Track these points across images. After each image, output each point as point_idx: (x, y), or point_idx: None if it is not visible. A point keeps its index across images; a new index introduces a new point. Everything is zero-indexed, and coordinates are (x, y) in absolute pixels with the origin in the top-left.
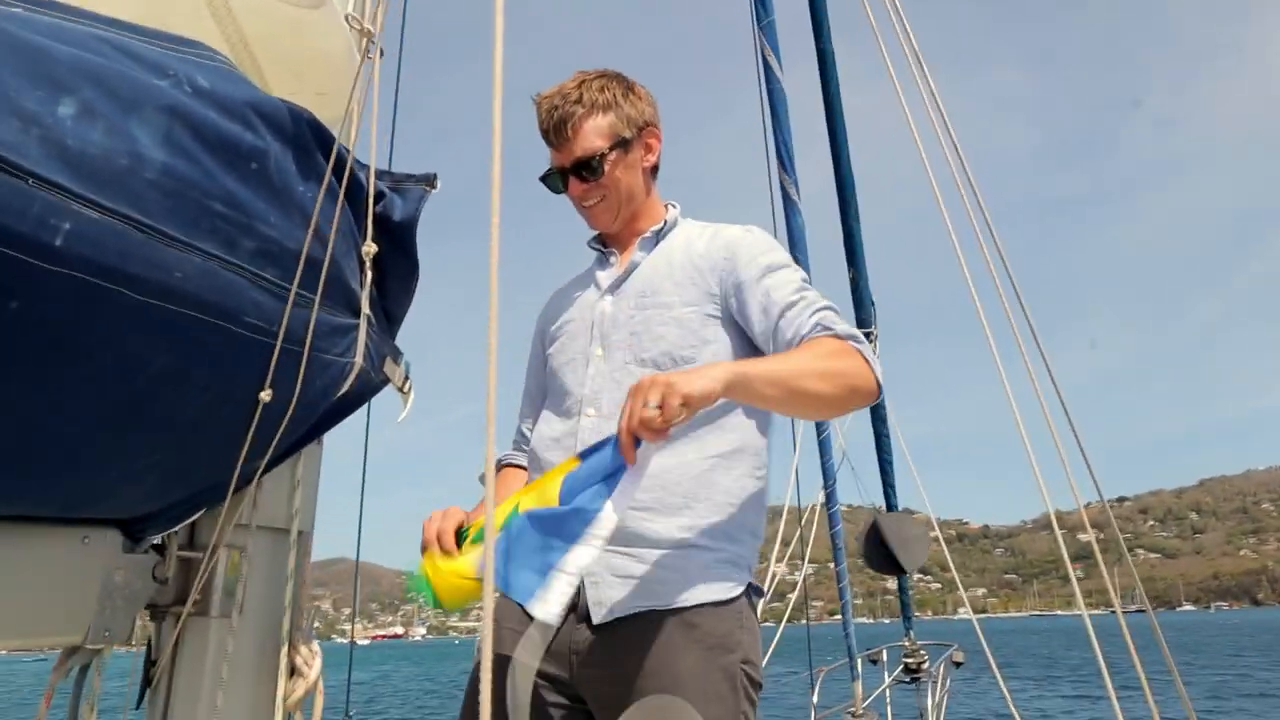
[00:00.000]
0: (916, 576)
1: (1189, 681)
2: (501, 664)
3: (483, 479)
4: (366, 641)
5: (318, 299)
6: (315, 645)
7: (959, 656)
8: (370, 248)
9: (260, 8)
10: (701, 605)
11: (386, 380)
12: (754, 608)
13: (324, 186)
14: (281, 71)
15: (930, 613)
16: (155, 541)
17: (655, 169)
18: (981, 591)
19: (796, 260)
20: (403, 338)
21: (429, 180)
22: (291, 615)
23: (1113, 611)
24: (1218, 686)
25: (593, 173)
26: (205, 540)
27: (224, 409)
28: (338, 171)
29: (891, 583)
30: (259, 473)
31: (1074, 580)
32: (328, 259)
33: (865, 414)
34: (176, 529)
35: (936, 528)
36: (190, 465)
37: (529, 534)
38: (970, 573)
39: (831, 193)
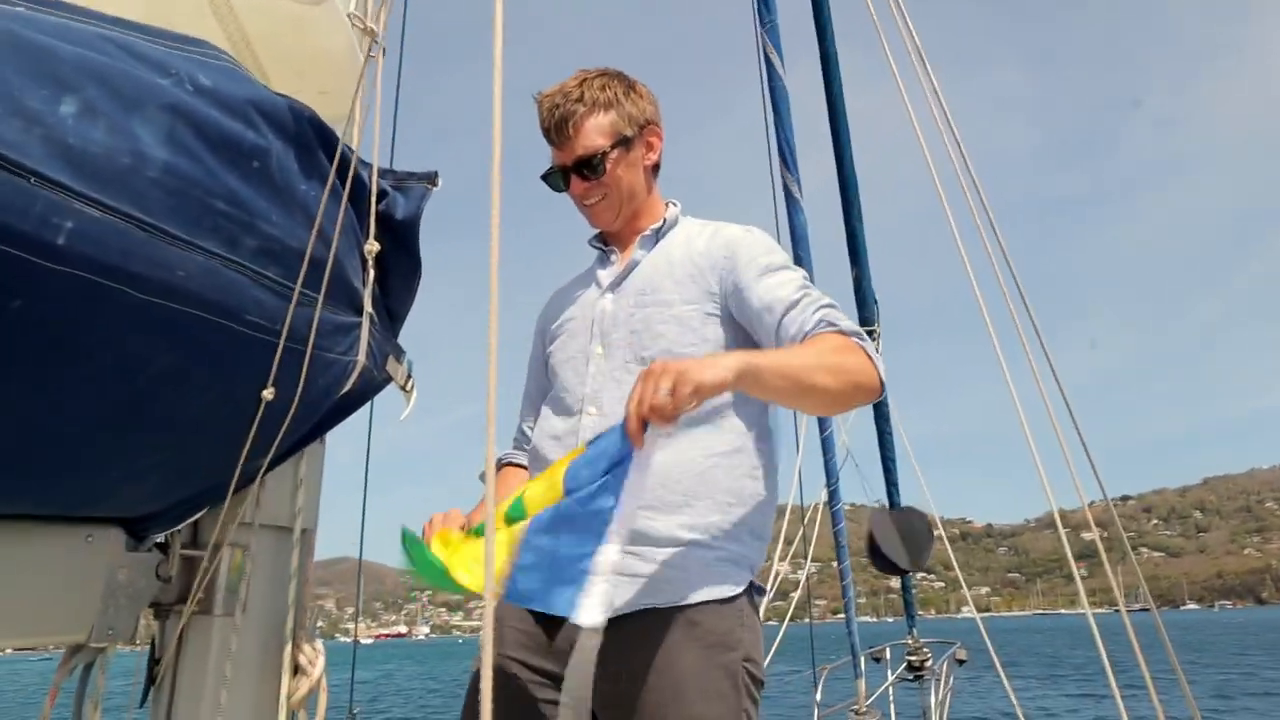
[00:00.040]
0: (920, 575)
1: (1193, 680)
2: (503, 664)
3: (483, 477)
4: (370, 640)
5: (320, 297)
6: (318, 644)
7: (962, 654)
8: (373, 246)
9: (262, 6)
10: (702, 603)
11: (389, 378)
12: (755, 606)
13: (326, 185)
14: (283, 70)
15: (933, 611)
16: (159, 540)
17: (656, 167)
18: (985, 590)
19: (799, 258)
20: (404, 337)
21: (431, 178)
22: (295, 613)
23: (1116, 610)
24: (1222, 685)
25: (594, 171)
26: (208, 539)
27: (226, 407)
28: (340, 170)
29: (895, 581)
30: (262, 471)
31: (1078, 579)
32: (331, 257)
33: (868, 412)
34: (180, 527)
35: (940, 526)
36: (193, 464)
37: (552, 546)
38: (974, 571)
39: (834, 191)
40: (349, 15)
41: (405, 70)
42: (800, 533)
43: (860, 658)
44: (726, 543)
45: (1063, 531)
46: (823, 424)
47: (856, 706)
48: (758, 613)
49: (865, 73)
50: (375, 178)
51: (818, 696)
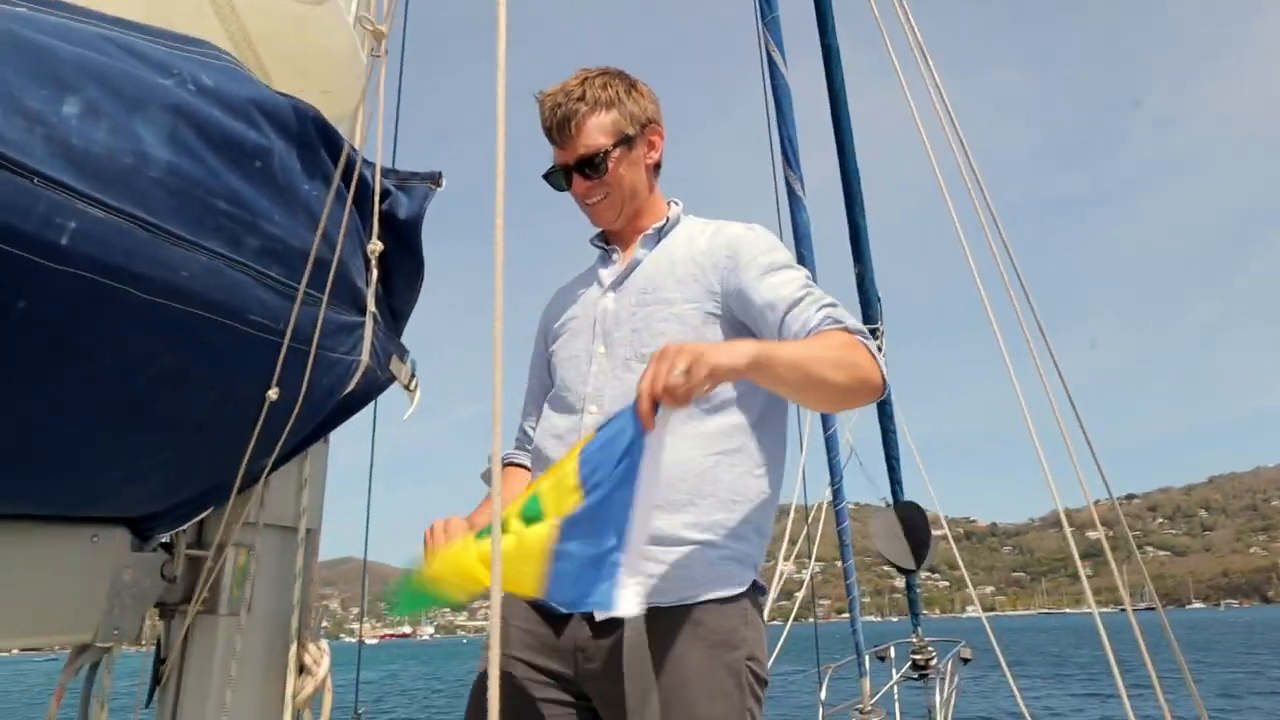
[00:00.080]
0: (924, 575)
1: (1199, 679)
2: (508, 664)
3: (484, 476)
4: (375, 640)
5: (324, 297)
6: (323, 643)
7: (967, 653)
8: (376, 245)
9: (264, 5)
10: (706, 602)
11: (393, 378)
12: (759, 605)
13: (329, 184)
14: (285, 69)
15: (938, 611)
16: (163, 540)
17: (658, 166)
18: (989, 589)
19: (801, 256)
20: (407, 337)
21: (434, 178)
22: (300, 613)
23: (1122, 609)
24: (1229, 685)
25: (596, 170)
26: (213, 538)
27: (230, 407)
28: (343, 169)
29: (899, 581)
30: (266, 471)
31: (1084, 578)
32: (334, 257)
33: (872, 411)
34: (184, 527)
35: (944, 525)
36: (197, 464)
37: (580, 550)
38: (978, 571)
39: (836, 190)
40: (360, 18)
41: (405, 70)
42: (804, 532)
43: (865, 656)
44: (731, 541)
45: (1068, 530)
46: (826, 422)
47: (861, 705)
48: (761, 611)
49: (867, 71)
50: (379, 177)
51: (822, 695)
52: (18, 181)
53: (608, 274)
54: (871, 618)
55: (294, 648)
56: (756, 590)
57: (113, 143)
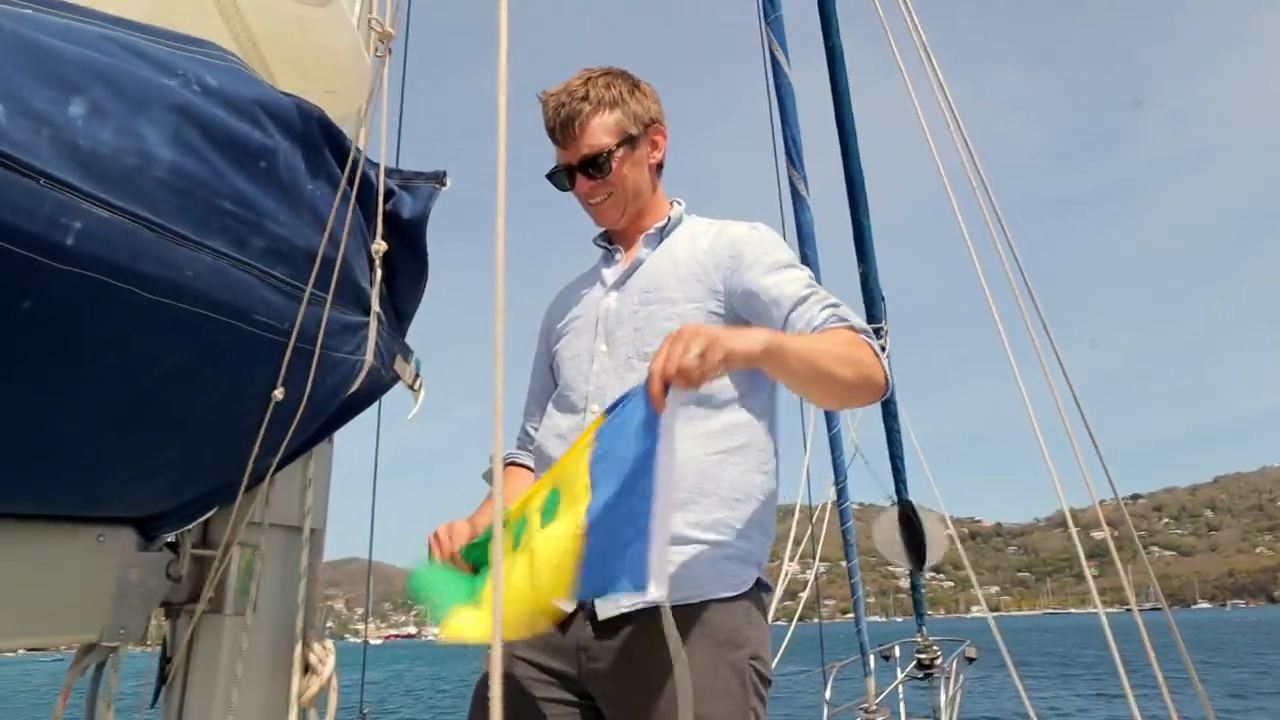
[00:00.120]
0: (929, 575)
1: (1206, 679)
2: (512, 663)
3: (486, 476)
4: (379, 641)
5: (329, 297)
6: (329, 643)
7: (972, 652)
8: (380, 245)
9: (268, 6)
10: (709, 601)
11: (397, 378)
12: (763, 603)
13: (333, 184)
14: (289, 70)
15: (943, 611)
16: (169, 540)
17: (660, 166)
18: (994, 590)
19: (805, 256)
20: (410, 337)
21: (438, 178)
22: (305, 613)
23: (1128, 609)
24: (1236, 685)
25: (599, 170)
26: (218, 538)
27: (235, 407)
28: (347, 169)
29: (904, 581)
30: (271, 471)
31: (1089, 578)
32: (339, 257)
33: (876, 410)
34: (190, 527)
35: (950, 525)
36: (202, 463)
37: (602, 538)
38: (983, 571)
39: (839, 192)
40: (369, 19)
41: (406, 70)
42: (809, 532)
43: (869, 656)
44: (734, 539)
45: (1073, 530)
46: (830, 421)
47: (866, 705)
48: (765, 610)
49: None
50: (383, 177)
51: (827, 695)
52: (23, 182)
53: (610, 274)
54: (876, 618)
55: (299, 647)
56: (761, 589)
57: (118, 143)
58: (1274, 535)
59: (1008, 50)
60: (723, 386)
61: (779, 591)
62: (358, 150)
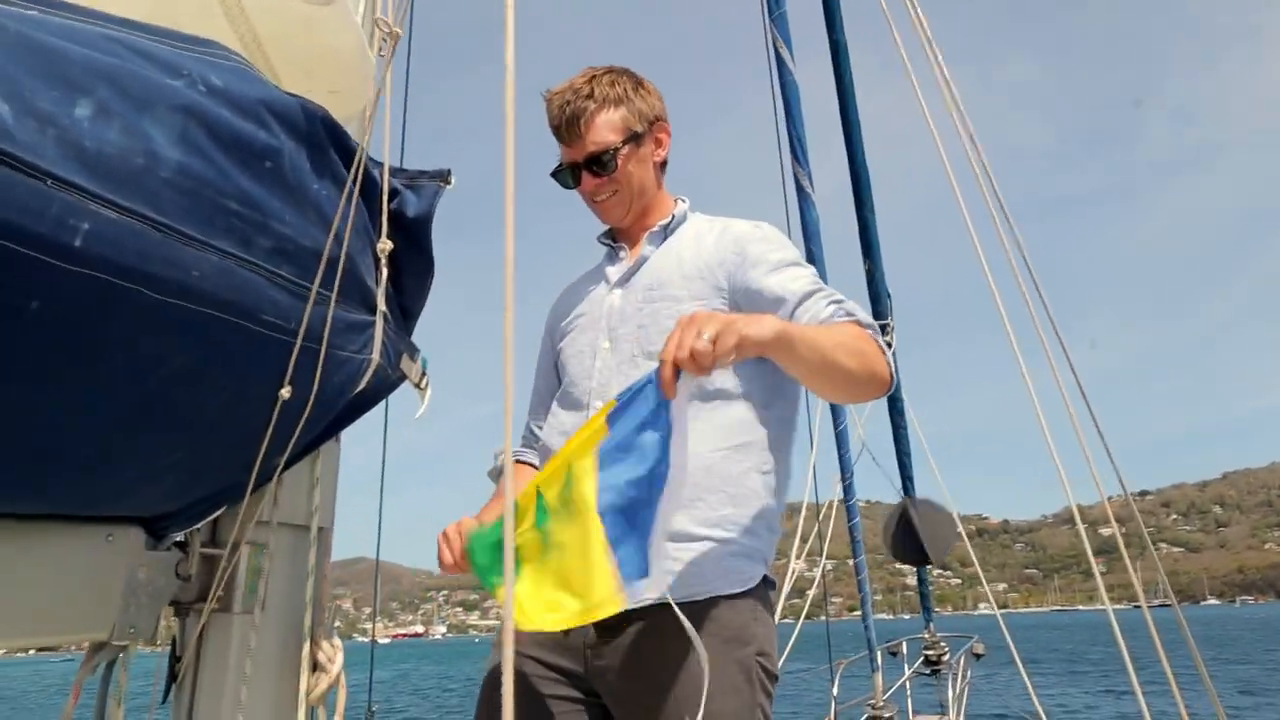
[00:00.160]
0: (936, 572)
1: (1215, 676)
2: (519, 662)
3: (491, 474)
4: (387, 640)
5: (334, 296)
6: (337, 640)
7: (979, 648)
8: (385, 244)
9: (272, 6)
10: (715, 598)
11: (404, 376)
12: (769, 600)
13: (338, 184)
14: (294, 70)
15: (950, 608)
16: (178, 539)
17: (664, 164)
18: (1002, 587)
19: (810, 253)
20: (417, 336)
21: (443, 176)
22: (313, 611)
23: (1136, 606)
24: (1247, 682)
25: (604, 167)
26: (227, 537)
27: (242, 406)
28: (352, 169)
29: (911, 578)
30: (278, 470)
31: (1097, 574)
32: (344, 256)
33: (883, 408)
34: (199, 526)
35: (958, 523)
36: (210, 463)
37: (623, 529)
38: (990, 568)
39: (843, 191)
40: (376, 19)
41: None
42: (815, 529)
43: (877, 652)
44: (740, 536)
45: (1081, 527)
46: (836, 418)
47: (874, 701)
48: (771, 607)
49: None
50: (387, 176)
51: (835, 691)
52: (31, 183)
53: (614, 271)
54: (884, 615)
55: (307, 645)
56: (767, 585)
57: (124, 143)
58: None
59: (1007, 49)
60: (731, 381)
61: (785, 589)
62: (362, 149)
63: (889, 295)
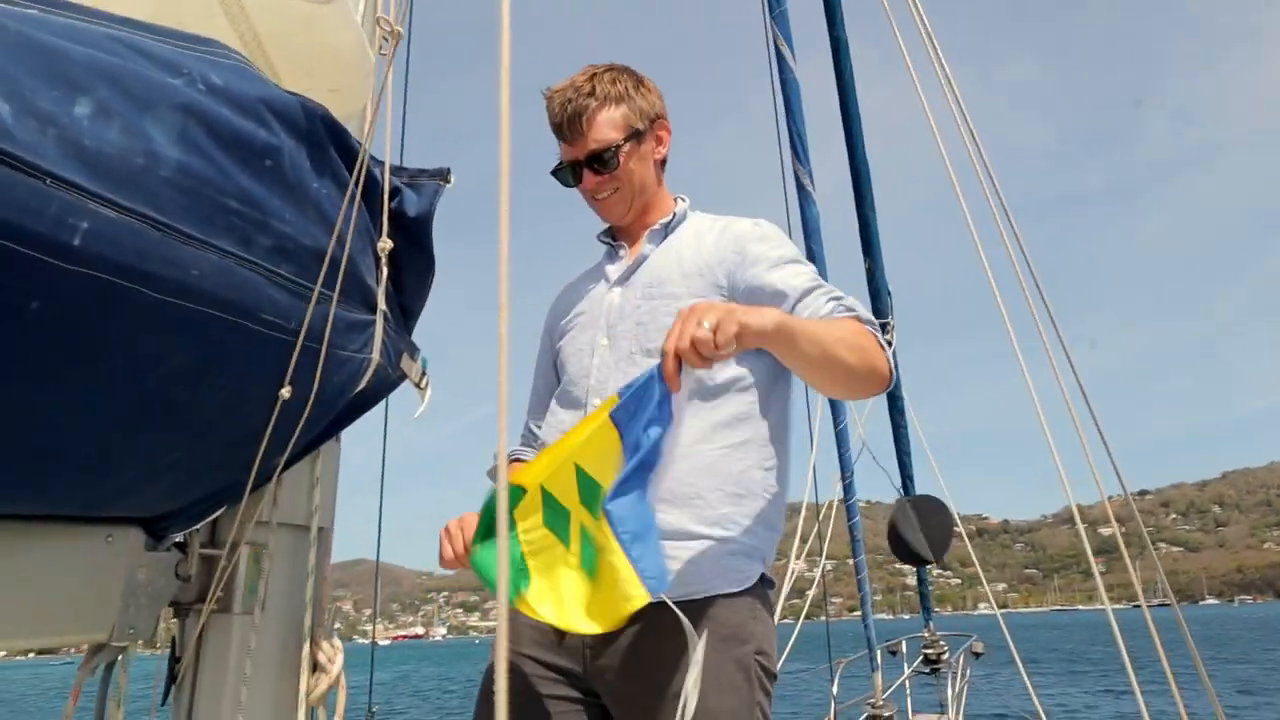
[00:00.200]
0: (936, 572)
1: (1214, 675)
2: (518, 661)
3: (490, 474)
4: (387, 642)
5: (335, 295)
6: (337, 641)
7: (979, 647)
8: (385, 243)
9: (272, 4)
10: (714, 596)
11: (404, 376)
12: (768, 599)
13: (339, 183)
14: (294, 68)
15: (950, 608)
16: (177, 539)
17: (664, 162)
18: (1002, 587)
19: (811, 251)
20: (417, 336)
21: (443, 174)
22: (313, 611)
23: (1135, 605)
24: (1246, 681)
25: (605, 165)
26: (226, 537)
27: (242, 406)
28: (352, 167)
29: (910, 578)
30: (278, 470)
31: (1097, 574)
32: (345, 255)
33: (883, 406)
34: (198, 526)
35: (958, 522)
36: (210, 463)
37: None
38: (990, 568)
39: (844, 190)
40: (378, 17)
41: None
42: (815, 529)
43: (877, 651)
44: (739, 535)
45: (1081, 526)
46: (836, 417)
47: (874, 700)
48: (770, 605)
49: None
50: (388, 175)
51: (834, 690)
52: (30, 183)
53: (614, 269)
54: (883, 615)
55: (307, 645)
56: (765, 584)
57: (124, 143)
58: None
59: (1007, 49)
60: (730, 378)
61: (785, 589)
62: (365, 148)
63: (889, 293)
